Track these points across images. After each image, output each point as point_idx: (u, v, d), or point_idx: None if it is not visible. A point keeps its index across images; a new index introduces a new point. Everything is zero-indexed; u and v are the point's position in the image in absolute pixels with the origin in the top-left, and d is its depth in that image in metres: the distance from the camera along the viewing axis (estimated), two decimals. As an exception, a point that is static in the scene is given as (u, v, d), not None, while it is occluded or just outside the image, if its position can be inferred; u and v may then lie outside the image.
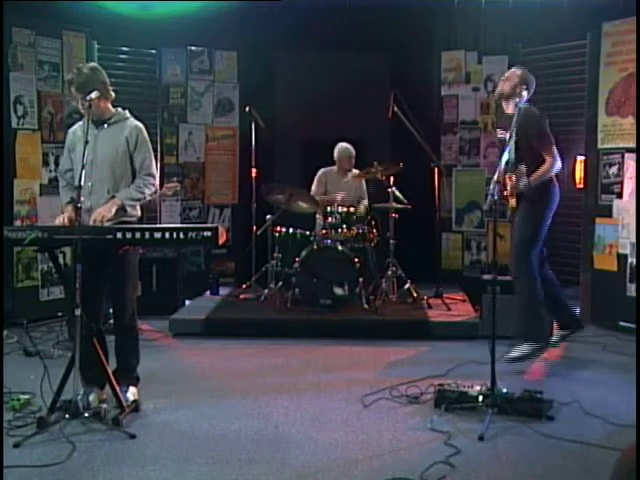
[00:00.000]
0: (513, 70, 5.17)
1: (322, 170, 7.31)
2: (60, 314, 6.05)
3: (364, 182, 7.34)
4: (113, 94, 4.32)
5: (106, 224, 4.08)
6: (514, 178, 4.87)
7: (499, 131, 5.23)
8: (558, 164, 5.01)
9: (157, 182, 4.46)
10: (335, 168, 7.29)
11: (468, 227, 7.97)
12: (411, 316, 6.41)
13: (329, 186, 7.24)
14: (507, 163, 4.48)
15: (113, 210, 4.13)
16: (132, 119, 4.38)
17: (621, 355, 5.51)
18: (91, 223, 4.06)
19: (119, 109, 4.38)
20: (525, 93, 4.95)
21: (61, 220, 4.16)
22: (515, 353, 5.02)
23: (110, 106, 4.33)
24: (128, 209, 4.21)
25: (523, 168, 4.89)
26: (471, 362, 5.16)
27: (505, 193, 4.95)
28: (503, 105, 5.19)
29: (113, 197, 4.19)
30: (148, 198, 4.33)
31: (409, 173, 6.85)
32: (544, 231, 5.10)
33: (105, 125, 4.29)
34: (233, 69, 8.04)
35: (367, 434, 3.90)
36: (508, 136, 4.74)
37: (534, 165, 4.96)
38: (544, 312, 5.14)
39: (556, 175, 5.13)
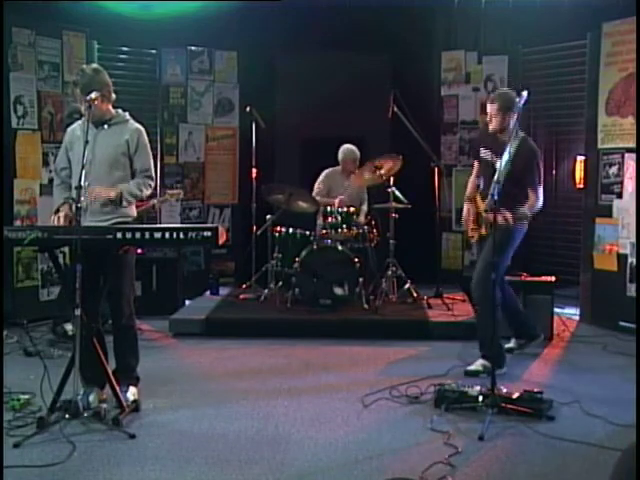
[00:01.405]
0: (492, 105, 4.95)
1: (326, 171, 7.29)
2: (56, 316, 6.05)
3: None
4: (114, 96, 4.33)
5: (103, 224, 4.12)
6: (499, 217, 4.70)
7: (483, 150, 5.12)
8: (539, 204, 4.96)
9: (154, 184, 4.48)
10: (339, 169, 7.28)
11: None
12: (411, 316, 6.41)
13: (332, 187, 7.22)
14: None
15: (112, 194, 4.16)
16: (132, 121, 4.38)
17: (621, 355, 5.51)
18: (85, 199, 4.05)
19: (119, 110, 4.38)
20: (512, 121, 4.83)
21: (59, 219, 4.16)
22: (472, 367, 5.00)
23: (111, 107, 4.33)
24: (124, 202, 4.23)
25: (508, 214, 4.81)
26: (471, 362, 5.17)
27: (481, 224, 5.03)
28: (498, 135, 5.00)
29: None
30: (144, 197, 4.39)
31: (409, 173, 6.85)
32: (509, 256, 5.06)
33: (105, 126, 4.29)
34: (233, 69, 8.04)
35: (367, 434, 3.90)
36: (499, 163, 4.67)
37: (516, 197, 4.88)
38: (499, 337, 5.03)
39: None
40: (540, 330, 5.56)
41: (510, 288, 5.40)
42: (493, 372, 4.17)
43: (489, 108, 4.98)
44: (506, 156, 4.70)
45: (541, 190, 4.97)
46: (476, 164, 5.28)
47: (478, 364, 4.99)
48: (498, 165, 4.70)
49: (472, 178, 5.31)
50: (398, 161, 6.69)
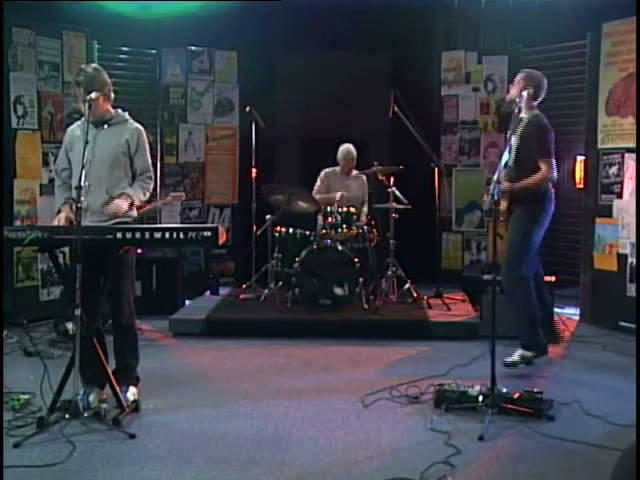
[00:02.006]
0: (519, 74, 5.20)
1: (325, 171, 7.31)
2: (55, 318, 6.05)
3: (366, 184, 7.33)
4: (113, 95, 4.33)
5: (104, 224, 4.13)
6: (506, 184, 4.87)
7: (508, 132, 5.22)
8: (551, 176, 4.99)
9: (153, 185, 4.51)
10: (338, 169, 7.30)
11: (468, 227, 7.97)
12: (411, 316, 6.41)
13: (331, 186, 7.23)
14: (506, 164, 4.48)
15: (126, 205, 4.20)
16: (132, 121, 4.39)
17: (621, 355, 5.51)
18: (106, 213, 4.13)
19: (119, 110, 4.38)
20: (525, 93, 4.97)
21: (59, 220, 4.18)
22: (511, 358, 5.02)
23: (110, 107, 4.33)
24: (134, 209, 4.29)
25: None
26: (471, 362, 5.17)
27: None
28: (513, 108, 5.22)
29: (121, 194, 4.24)
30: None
31: (409, 173, 6.85)
32: (537, 239, 5.08)
33: (105, 126, 4.29)
34: (233, 69, 8.04)
35: (367, 434, 3.90)
36: (509, 137, 4.79)
37: (530, 172, 4.96)
38: (539, 323, 5.10)
39: (553, 182, 5.14)
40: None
41: (549, 296, 5.41)
42: (493, 372, 4.16)
43: (517, 77, 5.17)
44: (518, 131, 4.75)
45: (553, 162, 5.00)
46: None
47: (516, 355, 5.00)
48: (513, 141, 4.77)
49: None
50: (397, 169, 6.72)
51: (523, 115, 5.07)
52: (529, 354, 5.01)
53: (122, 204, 4.19)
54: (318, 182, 7.29)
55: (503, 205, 5.02)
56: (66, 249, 4.43)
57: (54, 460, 3.50)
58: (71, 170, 4.31)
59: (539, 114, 5.07)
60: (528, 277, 5.03)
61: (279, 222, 6.90)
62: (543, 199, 5.06)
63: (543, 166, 4.95)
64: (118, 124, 4.33)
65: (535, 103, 5.09)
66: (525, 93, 4.98)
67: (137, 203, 4.29)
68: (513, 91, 5.17)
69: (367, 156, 7.26)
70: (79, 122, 4.38)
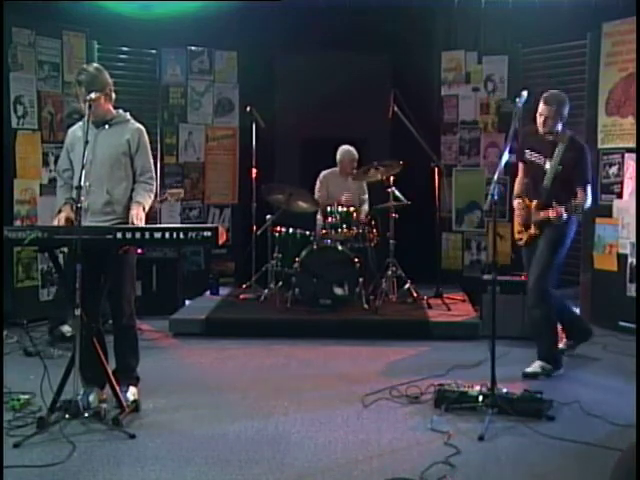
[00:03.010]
0: (546, 106, 4.88)
1: (324, 172, 7.29)
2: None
3: (365, 184, 7.33)
4: (114, 95, 4.33)
5: (104, 224, 4.14)
6: (552, 212, 4.79)
7: (528, 152, 5.05)
8: (588, 203, 4.92)
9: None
10: (337, 170, 7.28)
11: (468, 227, 7.96)
12: (411, 316, 6.41)
13: (331, 188, 7.22)
14: (506, 165, 4.45)
15: (142, 213, 4.21)
16: (133, 121, 4.39)
17: (621, 355, 5.51)
18: (131, 224, 4.11)
19: (120, 111, 4.38)
20: (562, 121, 4.89)
21: (59, 220, 4.18)
22: (531, 368, 4.99)
23: (112, 108, 4.33)
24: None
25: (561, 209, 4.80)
26: (471, 362, 5.17)
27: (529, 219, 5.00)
28: (546, 136, 4.96)
29: (133, 203, 4.24)
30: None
31: (409, 173, 6.85)
32: (564, 253, 5.06)
33: (106, 126, 4.29)
34: (233, 69, 8.04)
35: (367, 434, 3.90)
36: (548, 164, 4.79)
37: (566, 196, 4.87)
38: (558, 338, 5.16)
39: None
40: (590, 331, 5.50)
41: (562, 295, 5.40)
42: (493, 372, 4.16)
43: (544, 109, 4.88)
44: (556, 157, 4.72)
45: (590, 189, 4.93)
46: (521, 165, 5.20)
47: (536, 366, 4.98)
48: (548, 166, 4.76)
49: (519, 179, 5.23)
50: (398, 166, 6.71)
51: (553, 138, 4.90)
52: (549, 366, 4.99)
53: (140, 213, 4.19)
54: (318, 184, 7.27)
55: (533, 231, 4.99)
56: (66, 249, 4.43)
57: (54, 460, 3.50)
58: (73, 170, 4.31)
59: (575, 137, 4.96)
60: (554, 293, 5.02)
61: (279, 222, 6.90)
62: (570, 222, 4.99)
63: (580, 193, 4.87)
64: (119, 124, 4.32)
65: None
66: (563, 121, 4.87)
67: (147, 208, 4.29)
68: (550, 123, 4.88)
69: (367, 156, 7.26)
70: (80, 123, 4.37)
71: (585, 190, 4.90)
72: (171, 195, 6.60)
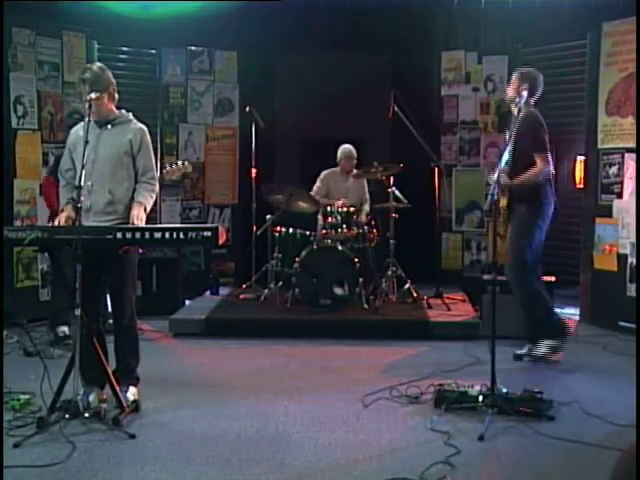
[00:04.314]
0: (514, 73, 5.25)
1: (325, 172, 7.30)
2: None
3: (366, 184, 7.33)
4: (117, 95, 4.33)
5: (106, 224, 4.13)
6: (504, 181, 4.92)
7: (505, 130, 5.33)
8: (547, 170, 5.06)
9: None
10: (338, 169, 7.29)
11: (468, 227, 7.97)
12: (411, 316, 6.41)
13: (331, 187, 7.23)
14: (507, 163, 4.51)
15: (143, 213, 4.21)
16: (135, 121, 4.39)
17: (621, 355, 5.51)
18: (131, 224, 4.11)
19: (123, 111, 4.38)
20: (525, 93, 5.00)
21: (60, 220, 4.18)
22: (540, 351, 5.11)
23: (114, 107, 4.33)
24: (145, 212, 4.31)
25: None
26: (471, 362, 5.17)
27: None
28: (512, 108, 5.25)
29: (134, 203, 4.24)
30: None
31: (409, 173, 6.85)
32: (541, 235, 5.13)
33: (108, 126, 4.29)
34: (233, 69, 8.05)
35: (367, 434, 3.90)
36: (508, 136, 4.82)
37: (526, 167, 5.02)
38: (553, 308, 5.24)
39: (552, 179, 5.20)
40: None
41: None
42: (493, 372, 4.16)
43: (512, 77, 5.21)
44: (512, 129, 4.80)
45: (549, 156, 5.06)
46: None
47: (542, 347, 5.13)
48: (509, 137, 4.81)
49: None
50: (397, 168, 6.72)
51: (516, 113, 5.12)
52: (553, 342, 5.10)
53: (141, 214, 4.19)
54: (318, 183, 7.28)
55: (503, 202, 5.07)
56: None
57: (54, 460, 3.50)
58: (75, 170, 4.30)
59: (534, 110, 5.11)
60: (533, 273, 5.06)
61: (279, 222, 6.90)
62: (542, 195, 5.10)
63: (539, 160, 5.01)
64: (122, 124, 4.32)
65: (532, 100, 5.13)
66: (525, 92, 5.00)
67: (148, 208, 4.29)
68: (510, 91, 5.21)
69: (367, 156, 7.26)
70: (82, 123, 4.37)
71: (543, 158, 5.01)
72: (175, 169, 6.06)
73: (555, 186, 5.25)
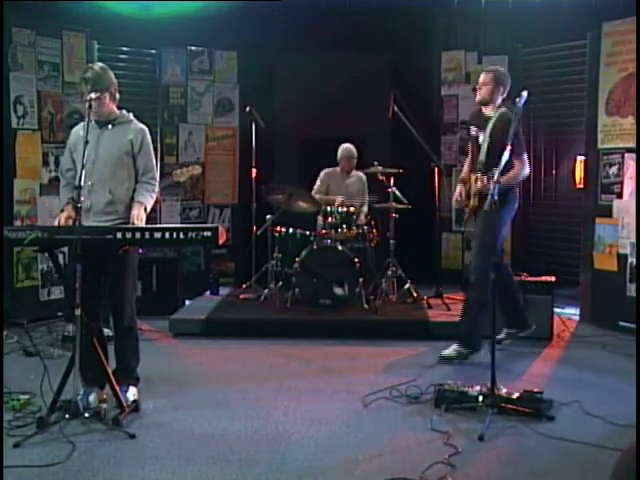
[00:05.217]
0: (486, 74, 5.18)
1: (325, 171, 7.32)
2: (60, 314, 6.09)
3: (366, 184, 7.33)
4: (118, 95, 4.34)
5: (106, 224, 4.14)
6: (485, 180, 4.94)
7: (472, 128, 5.30)
8: (525, 171, 5.09)
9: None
10: (338, 169, 7.30)
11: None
12: (411, 316, 6.41)
13: (331, 186, 7.24)
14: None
15: (143, 213, 4.21)
16: (136, 121, 4.39)
17: (621, 355, 5.51)
18: (131, 224, 4.11)
19: (124, 111, 4.39)
20: (501, 97, 5.06)
21: (59, 220, 4.18)
22: (447, 352, 5.17)
23: (115, 107, 4.33)
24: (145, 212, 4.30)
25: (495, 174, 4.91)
26: (471, 362, 5.17)
27: (470, 192, 5.15)
28: (484, 109, 5.23)
29: (134, 203, 4.24)
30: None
31: (409, 173, 6.85)
32: (504, 233, 5.20)
33: (109, 126, 4.29)
34: (233, 69, 8.05)
35: (367, 434, 3.90)
36: (482, 137, 4.84)
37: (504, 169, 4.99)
38: (481, 322, 5.10)
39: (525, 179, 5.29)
40: (532, 321, 5.57)
41: (509, 271, 5.48)
42: (493, 372, 4.15)
43: (481, 77, 5.15)
44: (487, 130, 4.80)
45: (525, 157, 5.07)
46: (469, 145, 5.40)
47: (451, 349, 5.16)
48: (481, 138, 4.82)
49: (468, 159, 5.43)
50: (397, 171, 6.74)
51: (489, 113, 5.11)
52: (464, 350, 5.15)
53: (141, 214, 4.20)
54: (318, 182, 7.30)
55: (473, 203, 5.08)
56: (66, 249, 4.44)
57: (54, 460, 3.50)
58: (75, 170, 4.30)
59: (506, 111, 5.05)
60: (490, 276, 4.98)
61: (279, 222, 6.90)
62: (512, 195, 5.13)
63: (516, 163, 4.98)
64: (122, 124, 4.33)
65: (501, 100, 5.14)
66: (501, 97, 5.05)
67: (149, 208, 4.29)
68: (484, 92, 5.13)
69: (367, 156, 7.26)
70: (83, 122, 4.37)
71: (519, 160, 4.99)
72: (182, 173, 6.10)
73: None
